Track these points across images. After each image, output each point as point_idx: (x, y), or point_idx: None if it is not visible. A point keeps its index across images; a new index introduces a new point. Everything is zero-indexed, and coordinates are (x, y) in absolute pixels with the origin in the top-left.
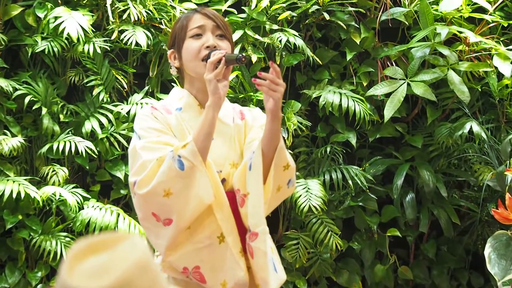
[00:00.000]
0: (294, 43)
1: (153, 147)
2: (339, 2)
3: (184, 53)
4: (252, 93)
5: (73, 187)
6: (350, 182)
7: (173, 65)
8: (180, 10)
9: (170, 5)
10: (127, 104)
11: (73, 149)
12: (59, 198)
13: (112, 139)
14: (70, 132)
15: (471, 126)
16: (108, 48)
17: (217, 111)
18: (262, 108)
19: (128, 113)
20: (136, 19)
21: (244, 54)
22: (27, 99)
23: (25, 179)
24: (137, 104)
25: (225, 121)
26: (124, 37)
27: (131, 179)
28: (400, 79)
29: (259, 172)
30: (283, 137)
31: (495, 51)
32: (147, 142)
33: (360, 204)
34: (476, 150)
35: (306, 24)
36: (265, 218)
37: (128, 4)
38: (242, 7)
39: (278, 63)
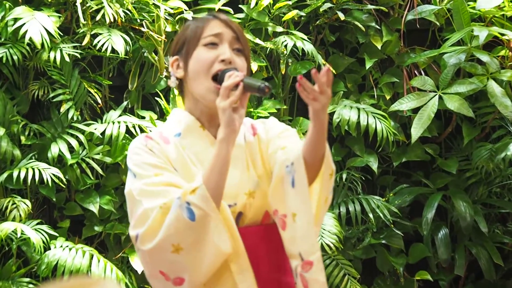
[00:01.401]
0: (303, 48)
1: (153, 190)
2: None
3: (192, 63)
4: (252, 109)
5: (38, 224)
6: (370, 215)
7: (173, 74)
8: (165, 9)
9: (153, 4)
10: (101, 122)
11: (37, 178)
12: (20, 237)
13: (84, 165)
14: (33, 157)
15: None
16: (79, 56)
17: (231, 146)
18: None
19: (103, 133)
20: (112, 20)
21: (267, 84)
22: None
23: None
24: (113, 123)
25: (237, 142)
26: (98, 42)
27: (132, 232)
28: (430, 91)
29: (305, 188)
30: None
31: None
32: (146, 185)
33: (383, 242)
34: None
35: (316, 26)
36: None
37: (103, 2)
38: (240, 6)
39: (283, 72)
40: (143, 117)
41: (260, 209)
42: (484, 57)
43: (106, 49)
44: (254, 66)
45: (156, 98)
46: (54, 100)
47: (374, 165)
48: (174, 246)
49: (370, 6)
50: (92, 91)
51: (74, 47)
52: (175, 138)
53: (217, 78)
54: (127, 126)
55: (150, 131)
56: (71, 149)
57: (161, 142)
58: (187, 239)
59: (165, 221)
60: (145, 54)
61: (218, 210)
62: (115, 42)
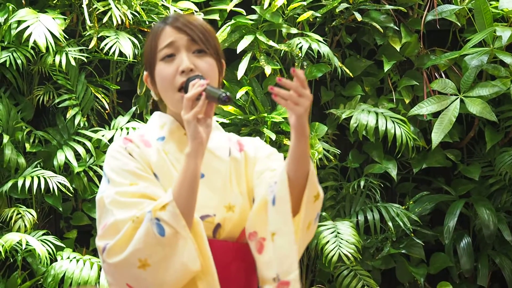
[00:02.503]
0: (318, 50)
1: (126, 202)
2: None
3: (157, 80)
4: (266, 114)
5: (43, 234)
6: (390, 224)
7: (152, 92)
8: (175, 10)
9: (162, 5)
10: (109, 129)
11: (42, 187)
12: (25, 248)
13: (91, 173)
14: (38, 165)
15: None
16: (85, 60)
17: (200, 159)
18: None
19: (110, 140)
20: (120, 22)
21: (228, 93)
22: None
23: None
24: (121, 129)
25: (219, 155)
26: (105, 45)
27: (99, 242)
28: (451, 95)
29: (287, 206)
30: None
31: None
32: (119, 195)
33: (403, 251)
34: None
35: (332, 27)
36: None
37: (110, 4)
38: (252, 7)
39: None
40: (140, 128)
41: (238, 225)
42: (507, 59)
43: (114, 53)
44: (268, 70)
45: None
46: (60, 105)
47: (393, 172)
48: (141, 261)
49: (388, 6)
50: (99, 96)
51: (80, 50)
52: (158, 142)
53: (184, 88)
54: None
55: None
56: (77, 156)
57: (142, 145)
58: (155, 255)
59: (135, 235)
60: None
61: (188, 227)
62: (123, 45)
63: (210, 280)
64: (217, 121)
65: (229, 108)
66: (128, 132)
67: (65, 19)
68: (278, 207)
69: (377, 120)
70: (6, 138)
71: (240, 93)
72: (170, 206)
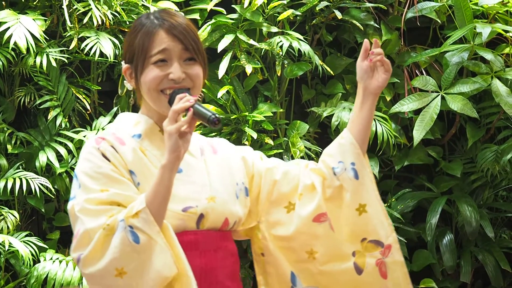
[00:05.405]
0: (299, 49)
1: (96, 209)
2: None
3: (143, 79)
4: (247, 113)
5: (26, 235)
6: None
7: (128, 82)
8: (155, 10)
9: (142, 5)
10: (91, 130)
11: (24, 188)
12: (8, 249)
13: (73, 174)
14: (20, 167)
15: None
16: (66, 61)
17: (175, 172)
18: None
19: None
20: (100, 23)
21: (218, 115)
22: None
23: None
24: (103, 129)
25: (193, 153)
26: (86, 46)
27: (73, 254)
28: (432, 92)
29: (371, 178)
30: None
31: None
32: (88, 202)
33: None
34: None
35: (313, 25)
36: None
37: (90, 4)
38: (233, 6)
39: (279, 74)
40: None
41: (221, 215)
42: (488, 55)
43: (94, 53)
44: (249, 68)
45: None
46: (41, 107)
47: (375, 169)
48: (117, 270)
49: (368, 4)
50: (80, 97)
51: (61, 51)
52: (134, 139)
53: (169, 97)
54: None
55: None
56: (59, 157)
57: (116, 143)
58: (131, 263)
59: (111, 244)
60: None
61: (161, 234)
62: (104, 45)
63: (185, 281)
64: None
65: (211, 107)
66: None
67: (45, 20)
68: (363, 181)
69: None
70: None
71: (221, 92)
72: (143, 213)
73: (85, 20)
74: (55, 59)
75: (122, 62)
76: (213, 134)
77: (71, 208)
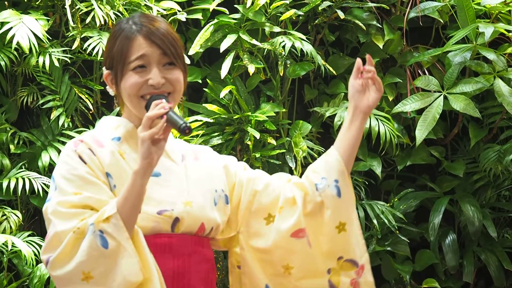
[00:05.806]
0: (301, 49)
1: (67, 212)
2: None
3: (123, 86)
4: (250, 113)
5: (29, 235)
6: (375, 221)
7: (110, 88)
8: (157, 10)
9: (145, 5)
10: (93, 129)
11: (27, 188)
12: (11, 249)
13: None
14: (23, 167)
15: None
16: (69, 61)
17: (147, 179)
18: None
19: None
20: (103, 23)
21: (189, 124)
22: None
23: None
24: None
25: (173, 158)
26: (88, 46)
27: (43, 255)
28: (434, 92)
29: (353, 197)
30: (290, 167)
31: None
32: (60, 205)
33: (388, 249)
34: None
35: (315, 25)
36: None
37: (92, 4)
38: (235, 6)
39: (281, 74)
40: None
41: (197, 220)
42: (490, 55)
43: (97, 53)
44: (251, 68)
45: None
46: (44, 107)
47: (378, 169)
48: (84, 273)
49: (370, 4)
50: (83, 96)
51: (64, 51)
52: (113, 142)
53: (146, 103)
54: None
55: None
56: None
57: (94, 146)
58: (99, 268)
59: (80, 247)
60: None
61: (130, 240)
62: None
63: (151, 287)
64: (201, 120)
65: (213, 108)
66: None
67: (48, 20)
68: (345, 199)
69: None
70: None
71: (224, 92)
72: (114, 218)
73: (87, 20)
74: (58, 59)
75: (103, 68)
76: (216, 134)
77: (45, 210)
